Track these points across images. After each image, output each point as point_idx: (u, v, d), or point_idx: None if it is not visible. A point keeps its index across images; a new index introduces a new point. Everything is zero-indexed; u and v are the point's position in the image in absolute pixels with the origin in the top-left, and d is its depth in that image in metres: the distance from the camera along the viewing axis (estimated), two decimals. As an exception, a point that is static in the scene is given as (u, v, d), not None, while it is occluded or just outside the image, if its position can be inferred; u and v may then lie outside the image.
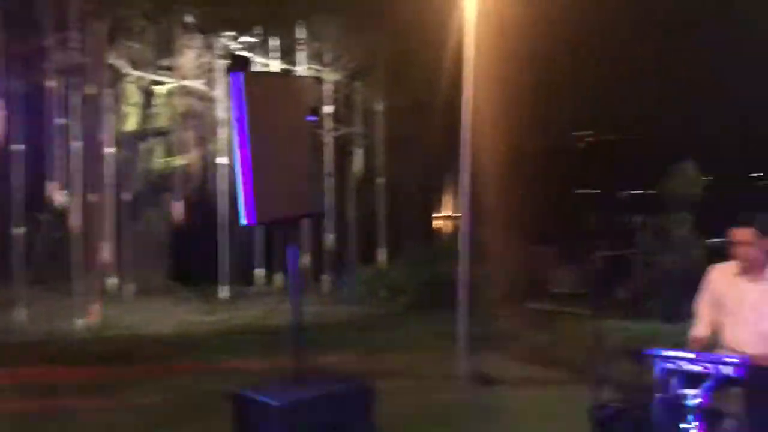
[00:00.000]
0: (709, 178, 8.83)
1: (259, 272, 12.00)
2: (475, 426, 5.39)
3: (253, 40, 10.70)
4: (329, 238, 12.10)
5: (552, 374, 6.69)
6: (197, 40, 10.70)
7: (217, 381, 6.04)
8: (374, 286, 10.75)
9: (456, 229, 14.50)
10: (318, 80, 10.97)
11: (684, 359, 3.55)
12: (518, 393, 6.20)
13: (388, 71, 11.70)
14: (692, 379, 3.54)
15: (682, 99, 12.70)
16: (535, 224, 11.22)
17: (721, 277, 4.16)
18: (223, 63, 10.47)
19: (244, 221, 3.82)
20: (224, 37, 10.64)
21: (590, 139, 16.91)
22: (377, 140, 12.25)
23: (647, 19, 11.38)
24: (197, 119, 11.24)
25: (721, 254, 4.31)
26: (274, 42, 11.08)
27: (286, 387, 3.95)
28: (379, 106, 12.12)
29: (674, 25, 11.65)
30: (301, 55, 11.27)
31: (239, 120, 3.76)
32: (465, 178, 6.48)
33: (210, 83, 11.01)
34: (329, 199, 11.45)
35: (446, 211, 16.97)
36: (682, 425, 3.51)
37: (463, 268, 6.32)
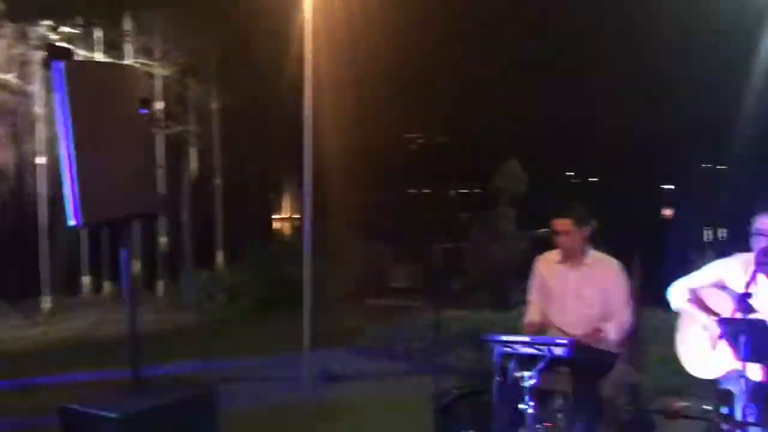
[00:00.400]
0: (532, 174, 9.42)
1: (86, 280, 11.23)
2: (321, 425, 5.38)
3: (74, 30, 9.94)
4: (163, 241, 11.57)
5: (394, 366, 6.84)
6: (8, 28, 9.76)
7: (43, 398, 5.55)
8: (212, 289, 10.42)
9: (296, 229, 14.46)
10: (148, 75, 10.42)
11: (519, 343, 3.75)
12: (363, 387, 6.27)
13: (222, 69, 11.38)
14: (527, 362, 3.75)
15: (508, 103, 13.59)
16: (374, 222, 11.43)
17: (546, 266, 4.46)
18: (40, 55, 9.63)
19: (70, 222, 3.52)
20: (41, 26, 9.80)
21: (421, 141, 17.58)
22: (214, 139, 11.89)
23: (476, 29, 12.05)
24: (10, 115, 10.27)
25: (545, 244, 4.61)
26: (98, 34, 10.40)
27: (122, 398, 3.70)
28: (215, 105, 11.77)
29: (501, 36, 12.43)
30: (128, 49, 10.67)
31: (62, 113, 3.47)
32: (307, 177, 6.44)
33: (25, 77, 10.09)
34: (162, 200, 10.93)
35: (286, 212, 16.85)
36: (520, 406, 3.71)
37: (305, 267, 6.28)
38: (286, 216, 16.84)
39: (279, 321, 8.28)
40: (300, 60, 6.51)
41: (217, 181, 12.05)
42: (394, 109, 12.00)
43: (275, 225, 16.30)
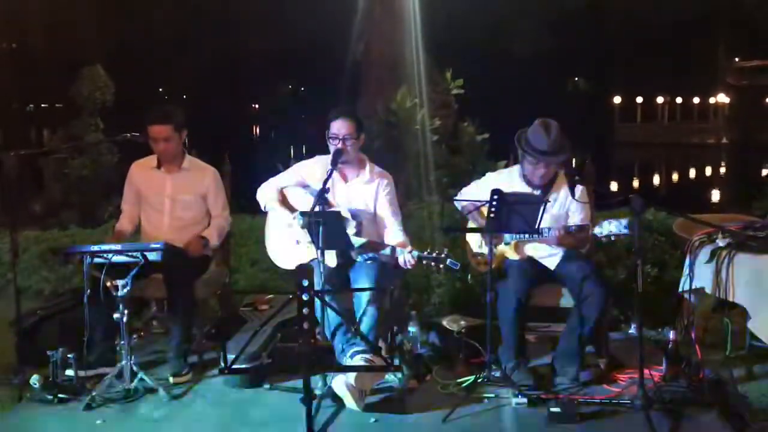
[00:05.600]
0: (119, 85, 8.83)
1: None
2: None
3: None
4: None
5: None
6: None
7: None
8: None
9: None
10: None
11: (110, 251, 3.58)
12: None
13: None
14: (119, 270, 3.61)
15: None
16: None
17: (141, 172, 4.30)
18: None
19: None
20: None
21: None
22: None
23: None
24: None
25: (138, 152, 4.41)
26: None
27: None
28: None
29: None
30: None
31: None
32: None
33: None
34: None
35: None
36: (114, 316, 3.57)
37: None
38: None
39: None
40: None
41: None
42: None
43: None
